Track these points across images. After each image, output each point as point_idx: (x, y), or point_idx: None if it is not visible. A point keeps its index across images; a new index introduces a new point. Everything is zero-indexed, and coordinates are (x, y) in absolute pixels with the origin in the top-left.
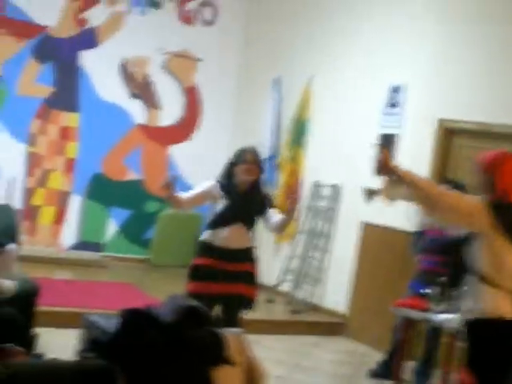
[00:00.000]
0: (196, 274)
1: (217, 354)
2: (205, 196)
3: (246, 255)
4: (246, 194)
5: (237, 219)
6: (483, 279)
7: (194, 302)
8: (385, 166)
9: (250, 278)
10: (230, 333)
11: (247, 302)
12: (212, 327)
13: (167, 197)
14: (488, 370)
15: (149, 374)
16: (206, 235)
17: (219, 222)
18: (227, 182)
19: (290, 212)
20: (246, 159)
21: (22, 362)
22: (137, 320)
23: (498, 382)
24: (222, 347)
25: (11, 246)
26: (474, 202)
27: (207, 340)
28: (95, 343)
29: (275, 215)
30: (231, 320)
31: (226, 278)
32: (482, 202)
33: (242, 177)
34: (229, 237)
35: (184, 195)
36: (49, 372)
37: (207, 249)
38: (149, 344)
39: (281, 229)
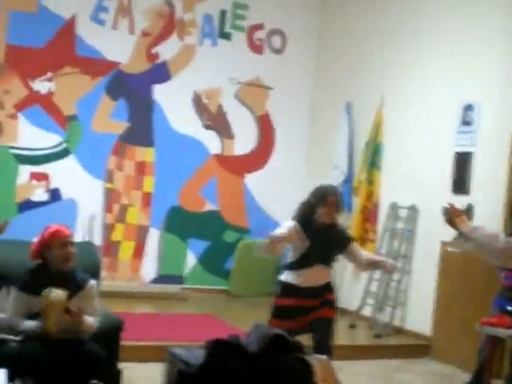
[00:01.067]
0: (279, 313)
1: (304, 382)
2: (293, 236)
3: (326, 288)
4: (324, 233)
5: (318, 261)
6: None
7: (280, 331)
8: (450, 220)
9: (329, 303)
10: (316, 359)
11: (328, 323)
12: (299, 354)
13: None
14: None
15: None
16: (287, 276)
17: (301, 263)
18: (307, 222)
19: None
20: (328, 202)
21: None
22: (222, 350)
23: None
24: (310, 374)
25: (93, 283)
26: None
27: (294, 368)
28: (181, 375)
29: (361, 251)
30: (323, 344)
31: (310, 311)
32: None
33: (324, 219)
34: (311, 277)
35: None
36: None
37: (290, 289)
38: (235, 373)
39: (367, 269)
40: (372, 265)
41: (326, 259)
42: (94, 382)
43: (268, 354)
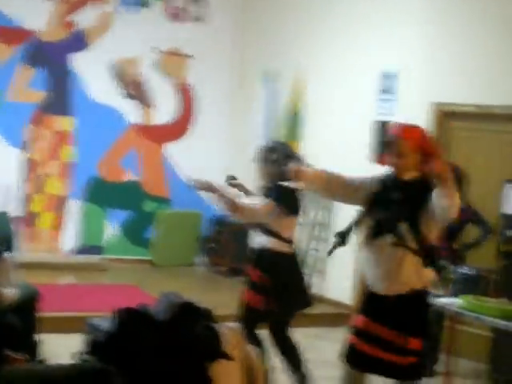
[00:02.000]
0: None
1: (214, 349)
2: None
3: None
4: None
5: None
6: None
7: (188, 298)
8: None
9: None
10: (226, 327)
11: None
12: (208, 322)
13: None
14: None
15: (145, 372)
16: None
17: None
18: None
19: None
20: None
21: (15, 368)
22: (131, 319)
23: None
24: (219, 342)
25: (6, 256)
26: None
27: (203, 335)
28: (91, 345)
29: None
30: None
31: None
32: None
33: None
34: None
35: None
36: (44, 376)
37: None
38: (144, 343)
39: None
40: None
41: None
42: (8, 352)
43: (177, 322)
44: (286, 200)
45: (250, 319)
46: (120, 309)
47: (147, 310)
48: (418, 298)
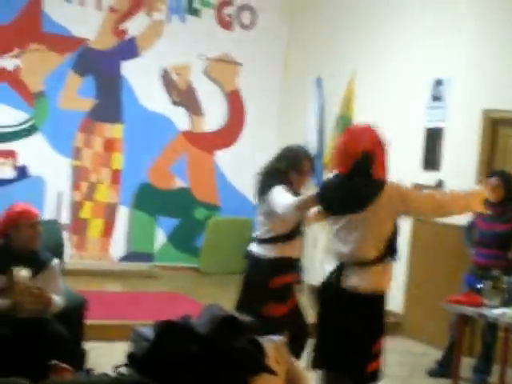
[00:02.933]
0: (284, 293)
1: (255, 363)
2: None
3: None
4: None
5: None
6: None
7: (231, 311)
8: None
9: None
10: (269, 341)
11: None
12: (251, 336)
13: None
14: None
15: None
16: (278, 250)
17: (296, 232)
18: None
19: None
20: (303, 169)
21: (55, 381)
22: (171, 332)
23: None
24: (261, 356)
25: (55, 262)
26: None
27: (245, 349)
28: (130, 357)
29: None
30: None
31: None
32: None
33: (298, 188)
34: (299, 246)
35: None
36: None
37: (288, 264)
38: (184, 356)
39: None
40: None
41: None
42: (54, 362)
43: (219, 335)
44: None
45: None
46: (159, 321)
47: (188, 323)
48: None
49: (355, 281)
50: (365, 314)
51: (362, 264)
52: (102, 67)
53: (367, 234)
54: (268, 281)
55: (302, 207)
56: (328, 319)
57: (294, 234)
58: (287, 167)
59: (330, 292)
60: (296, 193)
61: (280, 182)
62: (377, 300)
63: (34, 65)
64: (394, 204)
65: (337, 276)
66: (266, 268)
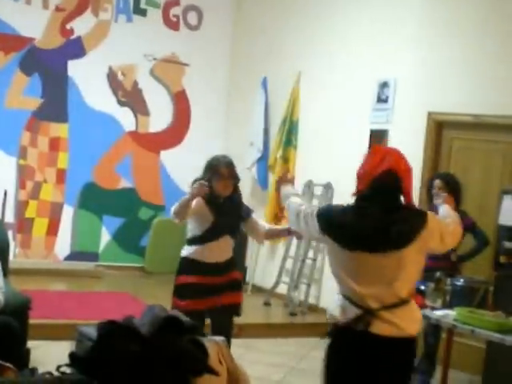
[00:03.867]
0: (184, 292)
1: (198, 364)
2: (197, 211)
3: (231, 264)
4: (226, 206)
5: (225, 232)
6: None
7: (173, 312)
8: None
9: (236, 285)
10: (212, 341)
11: (236, 309)
12: (193, 336)
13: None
14: None
15: None
16: (189, 252)
17: (208, 236)
18: (208, 197)
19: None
20: (221, 174)
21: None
22: (114, 332)
23: None
24: (203, 356)
25: None
26: None
27: (187, 349)
28: (73, 357)
29: (262, 222)
30: (224, 329)
31: (215, 291)
32: None
33: (222, 192)
34: (217, 251)
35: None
36: None
37: (194, 266)
38: (126, 356)
39: (274, 238)
40: (276, 234)
41: (232, 231)
42: None
43: (161, 336)
44: None
45: None
46: (102, 321)
47: (130, 323)
48: None
49: (387, 327)
50: (400, 362)
51: (394, 306)
52: (48, 66)
53: (401, 274)
54: (176, 277)
55: (177, 212)
56: (353, 370)
57: (205, 237)
58: (209, 175)
59: (356, 340)
60: (218, 197)
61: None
62: (412, 344)
63: None
64: (432, 240)
65: (363, 321)
66: (178, 265)
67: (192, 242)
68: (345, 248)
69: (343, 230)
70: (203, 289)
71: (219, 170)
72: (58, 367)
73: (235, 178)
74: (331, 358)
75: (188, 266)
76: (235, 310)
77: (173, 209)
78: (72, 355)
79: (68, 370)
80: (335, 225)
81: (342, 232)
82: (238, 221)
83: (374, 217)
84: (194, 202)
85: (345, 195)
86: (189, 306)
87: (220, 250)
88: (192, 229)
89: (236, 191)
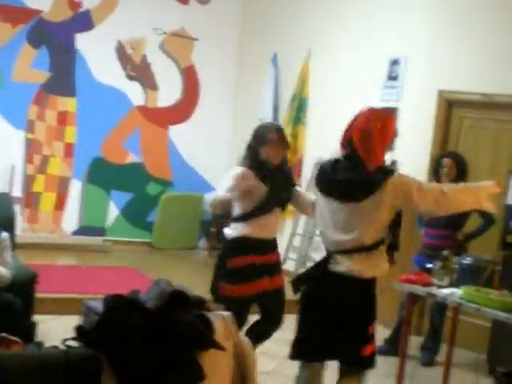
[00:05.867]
0: (237, 276)
1: (203, 338)
2: (241, 187)
3: (275, 243)
4: (276, 175)
5: (276, 204)
6: None
7: (179, 286)
8: None
9: (279, 267)
10: (218, 316)
11: (281, 294)
12: (199, 311)
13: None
14: None
15: (133, 360)
16: (240, 230)
17: (260, 211)
18: (257, 165)
19: None
20: (270, 139)
21: (1, 354)
22: (120, 306)
23: None
24: (210, 331)
25: (4, 235)
26: None
27: (193, 324)
28: (79, 331)
29: (304, 193)
30: (276, 315)
31: (267, 272)
32: None
33: (271, 159)
34: (268, 225)
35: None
36: (30, 363)
37: (246, 244)
38: (132, 330)
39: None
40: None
41: (283, 204)
42: (2, 334)
43: (167, 310)
44: None
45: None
46: (108, 295)
47: (137, 297)
48: None
49: (352, 266)
50: (362, 299)
51: (360, 250)
52: (56, 39)
53: (366, 222)
54: (227, 260)
55: (216, 207)
56: (319, 306)
57: (256, 212)
58: (256, 144)
59: (323, 278)
60: (267, 166)
61: (246, 160)
62: (372, 284)
63: None
64: (395, 198)
65: (329, 262)
66: (227, 247)
67: (241, 219)
68: (322, 195)
69: (321, 177)
70: (258, 269)
71: (266, 136)
72: (64, 340)
73: (285, 145)
74: (304, 295)
75: (240, 245)
76: (282, 294)
77: (210, 203)
78: (78, 329)
79: (74, 344)
80: (319, 174)
81: (321, 180)
82: (289, 192)
83: (342, 171)
84: (238, 177)
85: None
86: (242, 291)
87: (270, 226)
88: (240, 205)
89: (284, 159)
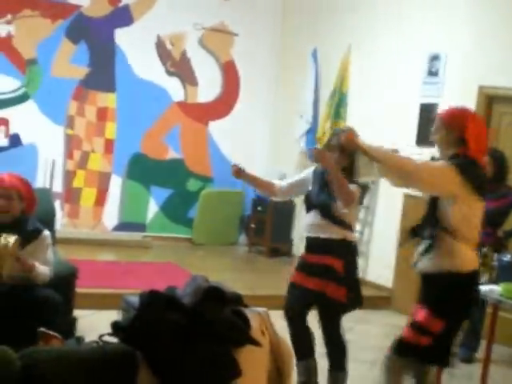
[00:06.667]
0: (298, 265)
1: (240, 335)
2: (300, 183)
3: (325, 247)
4: (322, 179)
5: (312, 206)
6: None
7: (216, 282)
8: (350, 142)
9: (328, 273)
10: (254, 312)
11: (328, 304)
12: (235, 307)
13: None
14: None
15: (169, 357)
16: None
17: (306, 207)
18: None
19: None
20: (327, 142)
21: (40, 349)
22: (156, 302)
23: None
24: (247, 327)
25: (46, 233)
26: (446, 170)
27: (229, 320)
28: (115, 326)
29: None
30: (326, 325)
31: (310, 272)
32: (450, 166)
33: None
34: (309, 224)
35: (281, 183)
36: (67, 358)
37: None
38: (167, 326)
39: (338, 196)
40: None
41: (322, 208)
42: (42, 329)
43: (203, 306)
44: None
45: (333, 312)
46: (144, 291)
47: (173, 293)
48: None
49: None
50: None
51: None
52: (95, 35)
53: None
54: None
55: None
56: None
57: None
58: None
59: None
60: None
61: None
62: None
63: (27, 31)
64: None
65: None
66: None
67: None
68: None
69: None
70: (304, 264)
71: (330, 138)
72: (100, 336)
73: (348, 153)
74: None
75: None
76: (328, 304)
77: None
78: (114, 324)
79: (112, 340)
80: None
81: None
82: (329, 197)
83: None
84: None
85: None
86: (295, 279)
87: (311, 224)
88: None
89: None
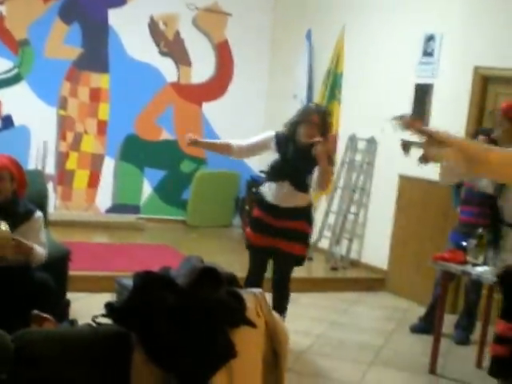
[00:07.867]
0: (251, 223)
1: (235, 315)
2: (261, 146)
3: (293, 213)
4: (299, 153)
5: (283, 176)
6: None
7: (211, 263)
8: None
9: (295, 235)
10: (250, 293)
11: (292, 260)
12: (230, 288)
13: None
14: None
15: (164, 338)
16: (263, 187)
17: (268, 176)
18: (286, 137)
19: (320, 161)
20: (308, 120)
21: (33, 331)
22: (150, 283)
23: None
24: (240, 308)
25: (38, 214)
26: None
27: (224, 301)
28: (108, 308)
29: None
30: (280, 278)
31: (274, 234)
32: None
33: (303, 138)
34: (276, 194)
35: (239, 143)
36: (61, 340)
37: (260, 201)
38: (162, 307)
39: (320, 183)
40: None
41: (294, 179)
42: (35, 312)
43: (197, 286)
44: None
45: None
46: (138, 272)
47: (167, 274)
48: None
49: None
50: None
51: None
52: (88, 15)
53: None
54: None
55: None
56: None
57: (268, 176)
58: (297, 119)
59: None
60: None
61: (286, 131)
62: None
63: (19, 12)
64: None
65: None
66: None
67: (265, 177)
68: None
69: None
70: (263, 226)
71: (308, 116)
72: (94, 317)
73: (323, 129)
74: None
75: (256, 199)
76: (292, 260)
77: None
78: (107, 305)
79: (105, 321)
80: None
81: None
82: (305, 170)
83: None
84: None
85: (388, 150)
86: (251, 238)
87: (280, 195)
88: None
89: None
